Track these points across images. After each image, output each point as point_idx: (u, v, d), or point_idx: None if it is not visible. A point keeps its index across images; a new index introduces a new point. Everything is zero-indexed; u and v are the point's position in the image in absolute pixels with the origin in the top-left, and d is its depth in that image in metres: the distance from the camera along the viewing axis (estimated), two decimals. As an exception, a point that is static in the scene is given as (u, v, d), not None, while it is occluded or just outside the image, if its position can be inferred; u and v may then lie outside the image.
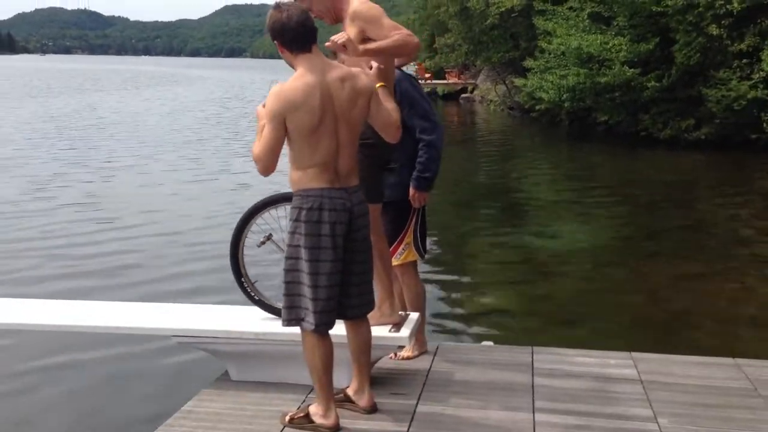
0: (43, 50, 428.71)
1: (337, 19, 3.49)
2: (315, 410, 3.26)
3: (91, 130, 20.66)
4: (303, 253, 3.12)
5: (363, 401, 3.40)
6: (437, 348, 4.28)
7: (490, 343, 4.64)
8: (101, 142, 17.94)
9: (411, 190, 3.92)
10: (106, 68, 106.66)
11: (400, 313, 3.86)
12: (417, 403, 3.53)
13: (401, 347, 3.88)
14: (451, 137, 23.91)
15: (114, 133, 20.17)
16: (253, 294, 3.80)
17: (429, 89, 39.15)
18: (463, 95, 36.07)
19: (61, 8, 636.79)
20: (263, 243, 3.59)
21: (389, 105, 3.29)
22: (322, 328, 3.16)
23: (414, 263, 4.13)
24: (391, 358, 4.09)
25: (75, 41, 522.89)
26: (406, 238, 4.02)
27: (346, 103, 3.12)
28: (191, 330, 3.67)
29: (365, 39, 3.32)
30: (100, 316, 3.83)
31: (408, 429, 3.27)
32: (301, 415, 3.28)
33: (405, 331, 3.64)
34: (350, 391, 3.43)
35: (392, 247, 4.01)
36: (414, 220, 4.04)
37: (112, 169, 13.64)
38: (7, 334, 4.04)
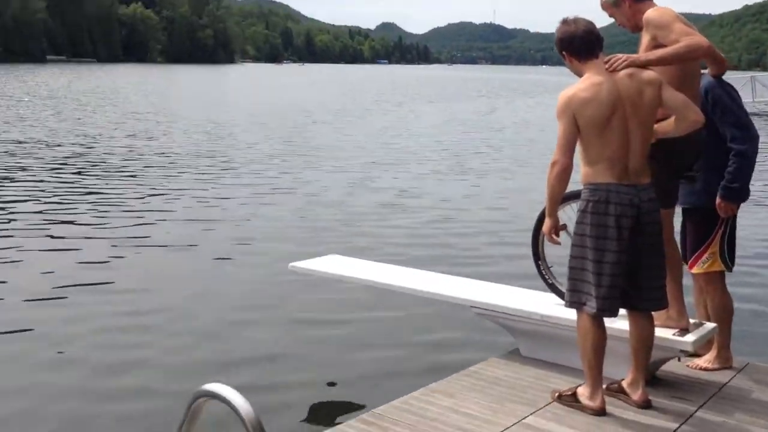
0: (452, 61, 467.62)
1: (637, 27, 3.60)
2: (583, 391, 3.44)
3: (474, 133, 22.35)
4: (588, 242, 3.33)
5: (636, 395, 3.47)
6: (745, 365, 4.05)
7: (810, 372, 4.21)
8: (480, 145, 19.34)
9: (717, 199, 3.81)
10: (502, 77, 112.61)
11: (693, 321, 3.80)
12: (697, 410, 3.46)
13: (688, 354, 3.78)
14: None
15: (493, 136, 21.56)
16: (547, 277, 4.10)
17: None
18: None
19: (470, 22, 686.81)
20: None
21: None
22: (604, 313, 3.33)
23: (721, 274, 3.97)
24: (688, 365, 4.02)
25: (480, 52, 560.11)
26: (712, 247, 3.90)
27: (634, 96, 3.26)
28: (486, 303, 4.11)
29: (658, 45, 3.39)
30: (418, 281, 4.50)
31: (677, 429, 3.26)
32: (569, 393, 3.49)
33: (690, 338, 3.59)
34: (625, 383, 3.52)
35: (696, 255, 3.94)
36: (722, 229, 3.90)
37: (486, 171, 14.72)
38: (343, 283, 4.99)
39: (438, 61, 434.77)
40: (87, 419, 4.17)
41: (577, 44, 3.37)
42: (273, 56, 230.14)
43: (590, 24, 3.41)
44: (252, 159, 15.15)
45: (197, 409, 1.99)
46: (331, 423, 3.34)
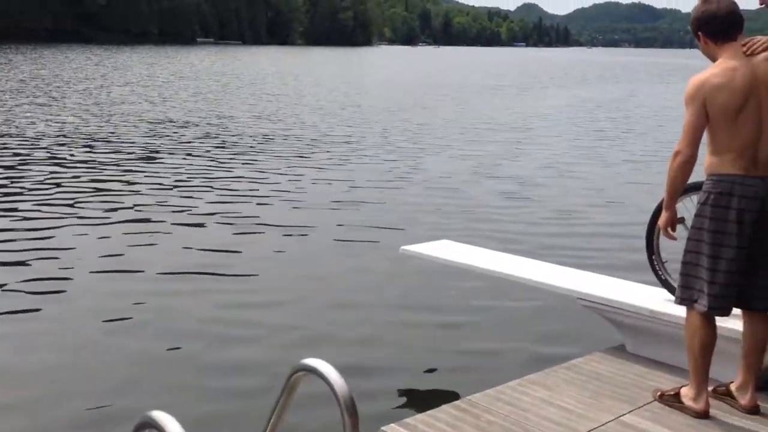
0: (593, 43, 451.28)
1: None
2: (686, 392, 3.33)
3: (602, 122, 21.59)
4: (706, 236, 3.20)
5: (744, 399, 3.32)
6: None
7: None
8: (609, 133, 18.68)
9: None
10: (644, 60, 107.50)
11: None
12: (813, 421, 3.28)
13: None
14: None
15: (623, 124, 20.75)
16: (660, 273, 3.98)
17: None
18: None
19: (617, 3, 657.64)
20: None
21: None
22: (716, 311, 3.21)
23: None
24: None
25: (623, 34, 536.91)
26: None
27: None
28: (593, 296, 4.03)
29: None
30: (527, 271, 4.49)
31: (787, 440, 3.10)
32: (672, 393, 3.39)
33: (812, 343, 3.38)
34: (733, 387, 3.38)
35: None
36: None
37: (611, 161, 14.26)
38: (452, 269, 5.04)
39: (578, 43, 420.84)
40: (190, 389, 4.43)
41: (717, 25, 3.20)
42: (409, 38, 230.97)
43: (733, 4, 3.23)
44: (376, 143, 15.34)
45: (295, 383, 2.10)
46: (425, 408, 3.39)
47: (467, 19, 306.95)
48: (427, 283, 6.26)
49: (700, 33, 3.26)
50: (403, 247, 5.11)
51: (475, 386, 3.71)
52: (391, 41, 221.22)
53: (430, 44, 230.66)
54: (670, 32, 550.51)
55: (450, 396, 3.84)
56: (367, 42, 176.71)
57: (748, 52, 3.15)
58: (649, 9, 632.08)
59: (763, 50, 3.13)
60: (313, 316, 5.68)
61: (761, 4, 3.43)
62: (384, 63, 70.34)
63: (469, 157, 13.85)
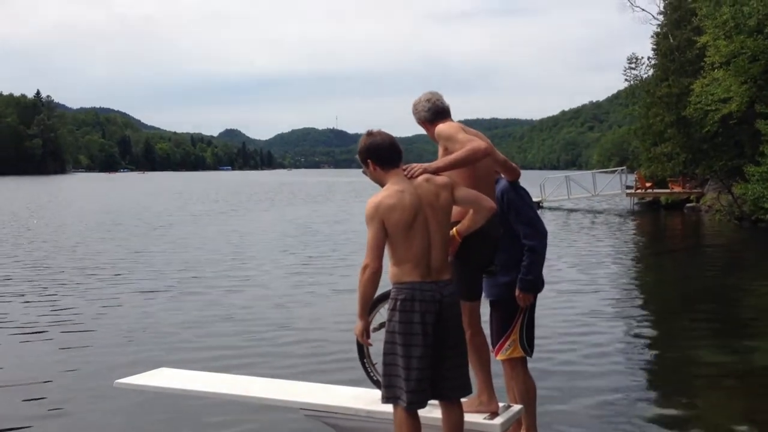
0: (296, 165, 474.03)
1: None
2: (402, 482, 3.63)
3: (306, 236, 22.70)
4: (398, 338, 3.60)
5: (451, 480, 3.70)
6: (550, 444, 4.43)
7: (605, 446, 4.66)
8: (313, 249, 19.63)
9: (516, 291, 4.26)
10: (344, 180, 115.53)
11: (502, 404, 4.14)
12: (506, 490, 3.74)
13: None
14: (666, 247, 22.94)
15: (325, 239, 21.98)
16: (372, 374, 4.33)
17: (650, 199, 37.92)
18: (688, 204, 34.46)
19: (314, 128, 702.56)
20: (376, 330, 4.11)
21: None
22: (415, 406, 3.58)
23: (523, 360, 4.40)
24: (500, 448, 4.32)
25: (323, 157, 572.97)
26: (513, 335, 4.33)
27: (432, 199, 3.66)
28: (314, 404, 4.25)
29: (449, 153, 3.87)
30: (249, 388, 4.58)
31: None
32: (390, 485, 3.67)
33: (498, 420, 3.92)
34: (441, 470, 3.75)
35: (499, 343, 4.35)
36: (521, 318, 4.34)
37: (314, 271, 14.96)
38: (175, 397, 4.90)
39: (282, 166, 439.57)
40: None
41: (383, 155, 3.75)
42: (109, 165, 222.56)
43: (392, 138, 3.80)
44: (56, 278, 14.08)
45: None
46: None
47: (170, 144, 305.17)
48: (145, 414, 5.97)
49: (369, 161, 3.78)
50: (118, 381, 4.90)
51: None
52: (90, 168, 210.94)
53: (133, 170, 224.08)
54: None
55: None
56: (60, 170, 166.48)
57: (409, 176, 3.72)
58: (342, 134, 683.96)
59: (420, 174, 3.72)
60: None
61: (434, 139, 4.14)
62: (79, 191, 65.69)
63: (189, 292, 13.29)
